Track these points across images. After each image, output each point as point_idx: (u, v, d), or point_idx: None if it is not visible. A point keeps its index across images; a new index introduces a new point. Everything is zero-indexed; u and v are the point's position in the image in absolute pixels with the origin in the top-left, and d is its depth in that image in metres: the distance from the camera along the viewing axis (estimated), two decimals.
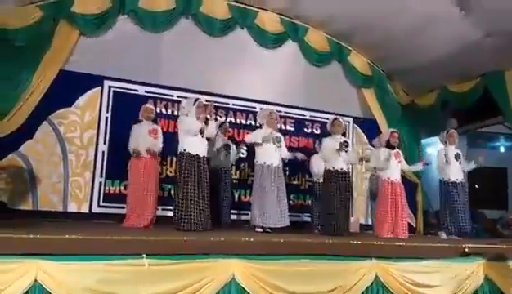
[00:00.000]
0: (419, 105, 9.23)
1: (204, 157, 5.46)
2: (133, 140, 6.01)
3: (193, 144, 5.40)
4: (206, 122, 5.50)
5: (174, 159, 6.93)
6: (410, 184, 8.41)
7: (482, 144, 11.33)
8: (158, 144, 6.11)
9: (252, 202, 5.92)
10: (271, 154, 5.93)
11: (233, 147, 7.09)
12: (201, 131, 5.45)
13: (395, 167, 6.57)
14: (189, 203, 5.19)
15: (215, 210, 6.68)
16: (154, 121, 6.49)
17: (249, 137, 6.18)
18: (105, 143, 6.93)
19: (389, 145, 6.66)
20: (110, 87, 7.06)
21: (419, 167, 7.05)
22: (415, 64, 8.23)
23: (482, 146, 11.37)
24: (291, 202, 8.16)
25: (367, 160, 7.34)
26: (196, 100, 5.63)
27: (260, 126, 6.28)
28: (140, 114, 6.22)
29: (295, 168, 8.08)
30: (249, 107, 7.91)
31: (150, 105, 6.45)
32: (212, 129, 5.69)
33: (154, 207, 5.95)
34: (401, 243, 5.36)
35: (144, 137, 6.02)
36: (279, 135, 6.13)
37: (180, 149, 5.44)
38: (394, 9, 7.11)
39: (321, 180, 6.41)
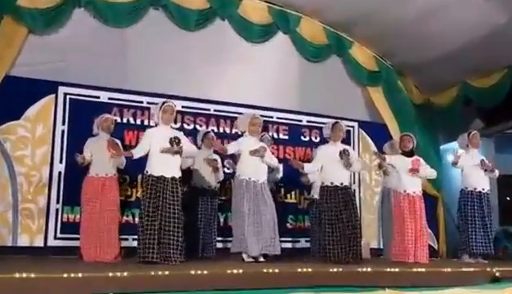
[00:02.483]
0: (435, 105, 9.33)
1: (173, 178, 5.41)
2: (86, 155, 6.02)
3: (157, 163, 5.40)
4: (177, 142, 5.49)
5: None
6: (429, 199, 8.46)
7: None
8: (119, 160, 6.09)
9: (234, 227, 5.86)
10: (256, 168, 5.91)
11: (219, 161, 7.08)
12: (172, 144, 5.42)
13: (413, 178, 6.57)
14: (148, 233, 5.19)
15: (199, 238, 6.68)
16: (121, 132, 6.48)
17: (231, 147, 6.08)
18: (61, 162, 6.90)
19: (404, 152, 6.68)
20: (65, 95, 7.05)
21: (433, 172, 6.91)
22: (430, 57, 8.34)
23: None
24: (289, 224, 8.19)
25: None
26: (164, 103, 5.64)
27: (241, 135, 6.26)
28: (96, 126, 6.21)
29: (292, 184, 8.08)
30: (234, 113, 7.91)
31: (109, 116, 6.44)
32: (189, 149, 5.68)
33: (117, 236, 5.95)
34: (419, 269, 5.38)
35: (100, 153, 5.98)
36: (262, 144, 6.11)
37: (145, 169, 5.48)
38: None
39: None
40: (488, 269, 5.49)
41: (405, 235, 6.34)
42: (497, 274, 5.35)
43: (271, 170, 6.63)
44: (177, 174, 5.50)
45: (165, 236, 5.25)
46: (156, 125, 5.74)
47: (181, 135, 5.66)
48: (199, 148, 6.94)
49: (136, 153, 5.52)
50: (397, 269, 5.18)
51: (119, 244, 6.03)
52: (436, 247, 8.72)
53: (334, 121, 6.46)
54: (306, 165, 6.30)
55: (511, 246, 9.62)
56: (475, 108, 9.08)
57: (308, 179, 7.30)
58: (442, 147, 9.56)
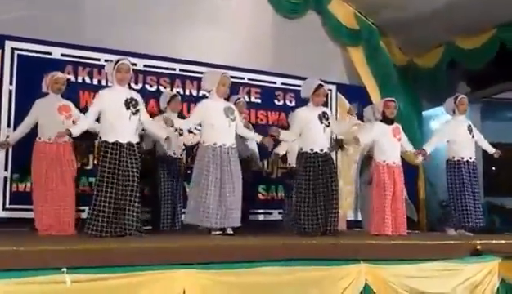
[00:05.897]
0: (419, 67, 9.43)
1: (129, 143, 5.33)
2: (31, 119, 5.96)
3: (112, 128, 5.31)
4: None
5: None
6: (409, 169, 8.59)
7: (500, 114, 11.64)
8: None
9: (193, 196, 5.78)
10: (224, 132, 5.85)
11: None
12: (128, 107, 5.36)
13: (393, 147, 6.67)
14: (101, 204, 5.16)
15: (164, 210, 6.70)
16: (76, 93, 6.40)
17: (193, 119, 6.00)
18: (9, 126, 6.82)
19: (385, 118, 6.71)
20: (13, 50, 6.94)
21: (418, 158, 7.17)
22: (414, 15, 8.38)
23: (500, 117, 11.68)
24: (260, 195, 8.27)
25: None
26: (118, 60, 5.50)
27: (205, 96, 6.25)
28: (45, 85, 6.09)
29: (265, 151, 8.12)
30: (201, 73, 7.83)
31: (60, 74, 6.29)
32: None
33: (73, 207, 5.95)
34: (397, 242, 5.50)
35: (51, 116, 5.92)
36: (231, 105, 6.07)
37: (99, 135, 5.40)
38: None
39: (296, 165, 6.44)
40: (470, 242, 5.62)
41: (384, 207, 6.44)
42: (479, 247, 5.46)
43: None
44: (134, 139, 5.42)
45: (121, 207, 5.23)
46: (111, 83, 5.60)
47: (138, 96, 5.56)
48: (163, 110, 6.93)
49: (84, 122, 5.45)
50: (373, 242, 5.30)
51: (76, 216, 6.02)
52: (416, 219, 8.90)
53: (317, 82, 6.29)
54: (282, 132, 6.23)
55: (496, 218, 9.91)
56: (461, 71, 9.18)
57: (279, 154, 7.42)
58: (424, 113, 9.67)
